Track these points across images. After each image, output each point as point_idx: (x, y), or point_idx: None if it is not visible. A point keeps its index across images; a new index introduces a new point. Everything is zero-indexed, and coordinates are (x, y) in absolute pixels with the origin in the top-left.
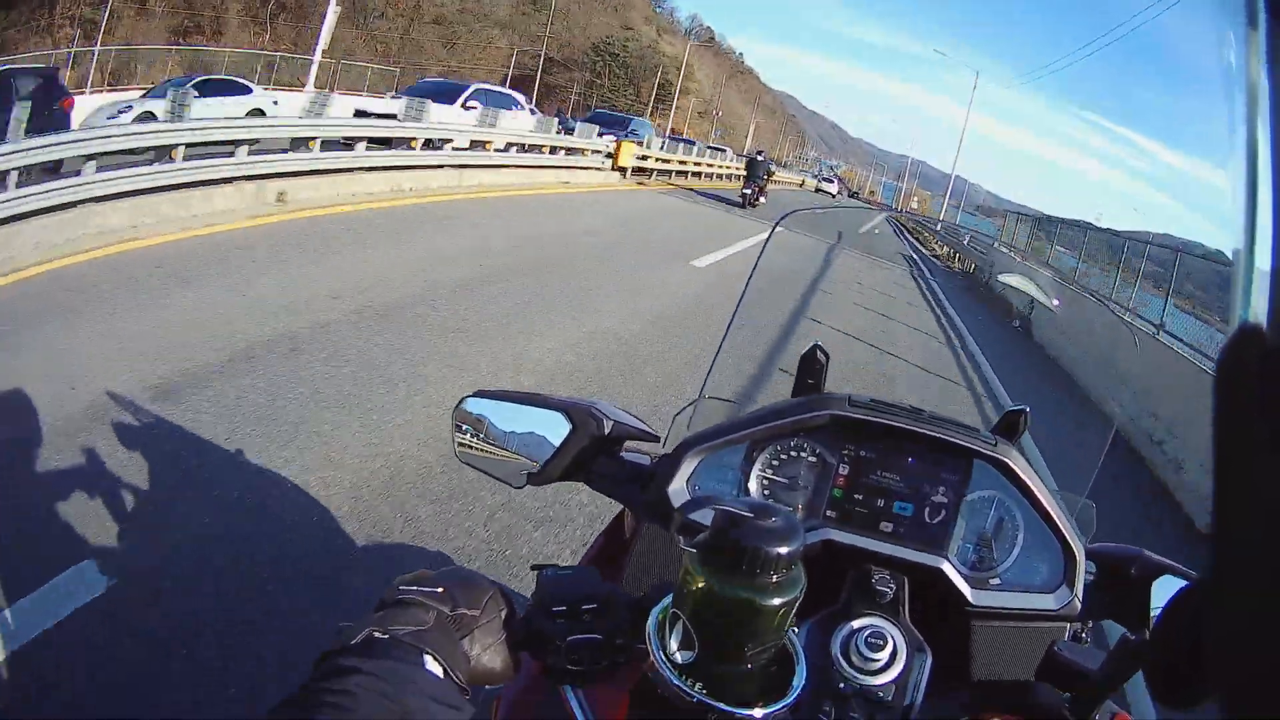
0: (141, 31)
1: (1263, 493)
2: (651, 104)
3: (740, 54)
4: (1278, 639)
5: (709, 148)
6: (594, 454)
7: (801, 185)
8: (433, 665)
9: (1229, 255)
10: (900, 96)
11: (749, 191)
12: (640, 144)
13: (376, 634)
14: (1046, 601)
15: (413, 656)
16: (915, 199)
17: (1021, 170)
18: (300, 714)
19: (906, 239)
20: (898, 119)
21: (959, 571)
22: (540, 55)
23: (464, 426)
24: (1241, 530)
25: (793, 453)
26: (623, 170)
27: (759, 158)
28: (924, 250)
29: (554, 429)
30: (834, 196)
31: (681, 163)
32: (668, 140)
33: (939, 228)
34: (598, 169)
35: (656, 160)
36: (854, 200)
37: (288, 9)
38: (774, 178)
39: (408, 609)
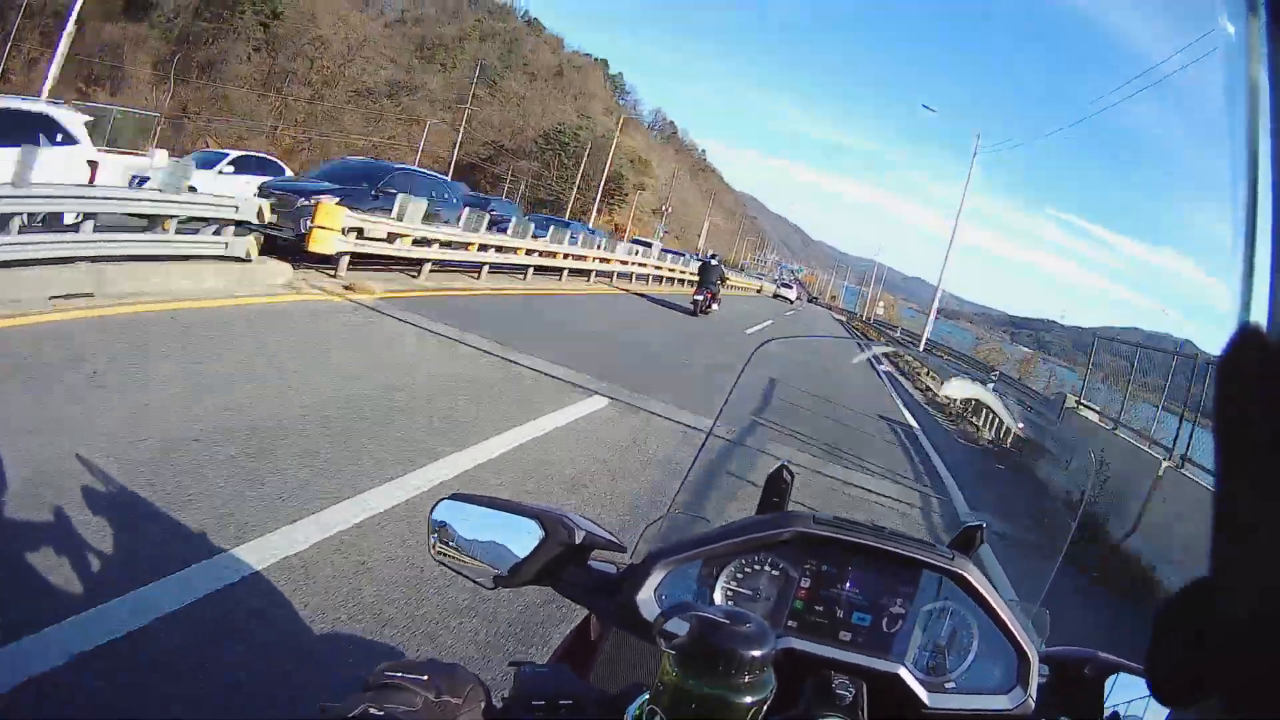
0: (38, 80)
1: (1263, 493)
2: (571, 195)
3: (703, 151)
4: (1277, 639)
5: (636, 241)
6: (564, 561)
7: (760, 291)
8: None
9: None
10: (858, 196)
11: (700, 298)
12: (386, 213)
13: (372, 710)
14: (1001, 703)
15: None
16: (881, 304)
17: (979, 269)
18: None
19: (880, 368)
20: (858, 220)
21: (915, 676)
22: (459, 134)
23: (438, 530)
24: (1242, 530)
25: (756, 566)
26: (319, 260)
27: (712, 261)
28: (910, 388)
29: (525, 535)
30: (792, 302)
31: (499, 249)
32: (514, 219)
33: (922, 345)
34: (221, 256)
35: (432, 244)
36: (814, 305)
37: (201, 68)
38: (727, 282)
39: (397, 692)
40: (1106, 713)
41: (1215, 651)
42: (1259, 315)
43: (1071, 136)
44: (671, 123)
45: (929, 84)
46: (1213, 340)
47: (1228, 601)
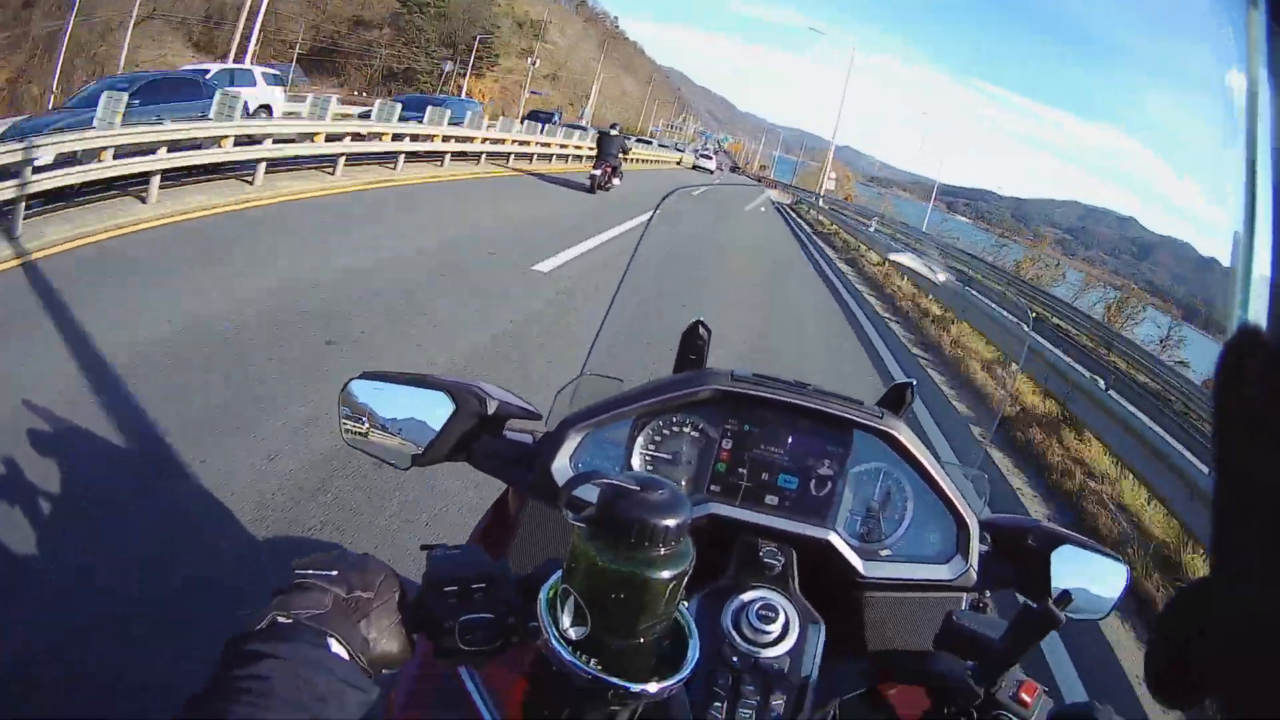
0: None
1: (1263, 494)
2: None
3: (616, 18)
4: (1277, 639)
5: (463, 103)
6: (477, 434)
7: (679, 163)
8: (337, 648)
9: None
10: (784, 68)
11: (598, 173)
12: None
13: (280, 618)
14: (940, 572)
15: (317, 640)
16: (833, 177)
17: (909, 138)
18: (218, 704)
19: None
20: (786, 92)
21: (848, 543)
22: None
23: (350, 410)
24: (1242, 531)
25: (675, 428)
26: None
27: (612, 131)
28: None
29: (438, 409)
30: (712, 173)
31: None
32: None
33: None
34: None
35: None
36: (736, 176)
37: None
38: (630, 155)
39: (306, 592)
40: (1055, 591)
41: (1215, 651)
42: (1259, 315)
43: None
44: None
45: None
46: (1155, 218)
47: (1228, 601)
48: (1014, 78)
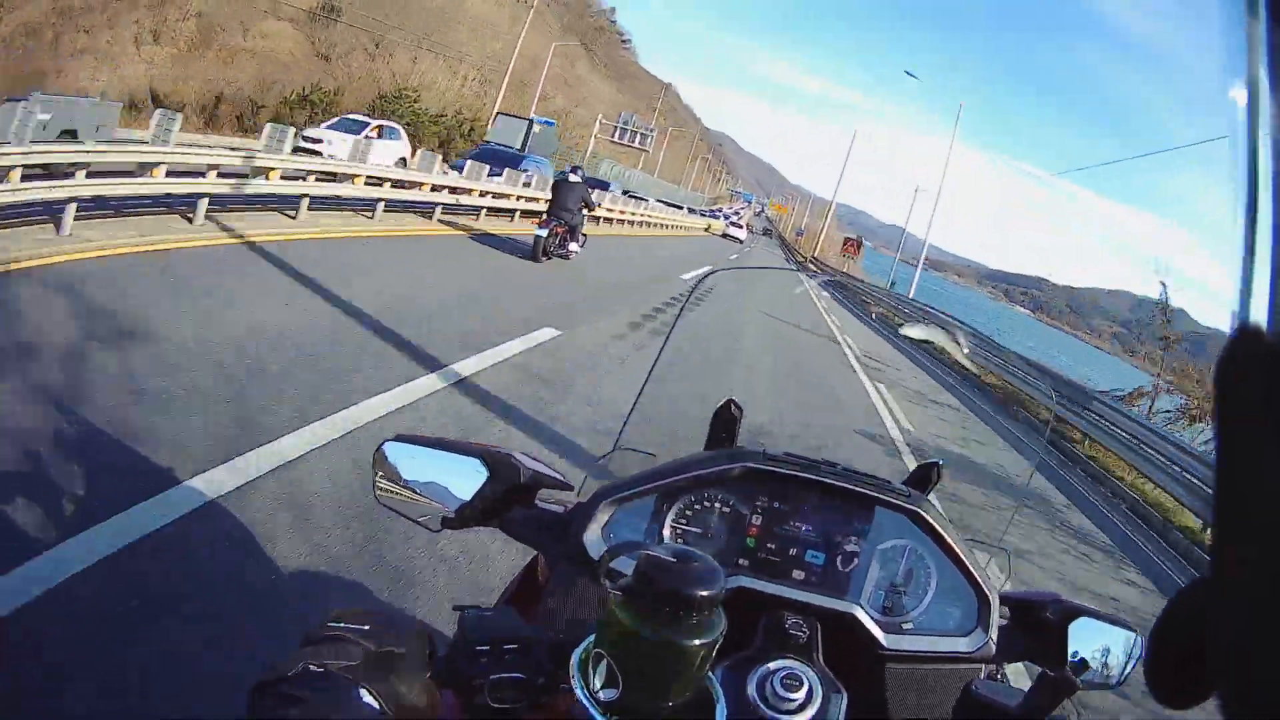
0: None
1: (1263, 494)
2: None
3: (613, 8)
4: (1277, 640)
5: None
6: (510, 501)
7: (708, 230)
8: (368, 698)
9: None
10: (838, 144)
11: (544, 234)
12: None
13: (311, 666)
14: (960, 644)
15: (348, 689)
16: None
17: (959, 221)
18: None
19: None
20: (836, 167)
21: (871, 617)
22: None
23: (383, 470)
24: (1242, 531)
25: (706, 503)
26: None
27: (572, 177)
28: None
29: (471, 475)
30: (741, 242)
31: None
32: None
33: None
34: None
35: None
36: (767, 239)
37: None
38: (595, 212)
39: (337, 645)
40: (1071, 658)
41: (1215, 652)
42: (1259, 315)
43: (1057, 96)
44: None
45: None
46: (1199, 308)
47: (1228, 602)
48: (1065, 164)
